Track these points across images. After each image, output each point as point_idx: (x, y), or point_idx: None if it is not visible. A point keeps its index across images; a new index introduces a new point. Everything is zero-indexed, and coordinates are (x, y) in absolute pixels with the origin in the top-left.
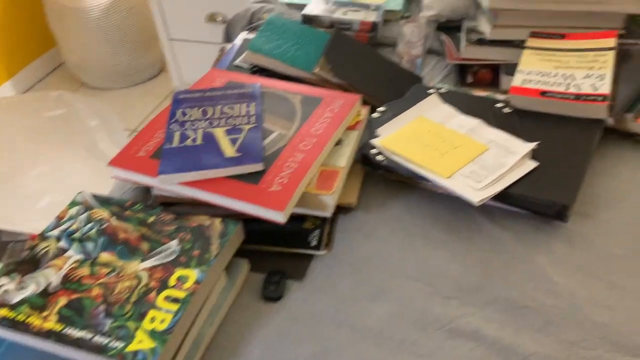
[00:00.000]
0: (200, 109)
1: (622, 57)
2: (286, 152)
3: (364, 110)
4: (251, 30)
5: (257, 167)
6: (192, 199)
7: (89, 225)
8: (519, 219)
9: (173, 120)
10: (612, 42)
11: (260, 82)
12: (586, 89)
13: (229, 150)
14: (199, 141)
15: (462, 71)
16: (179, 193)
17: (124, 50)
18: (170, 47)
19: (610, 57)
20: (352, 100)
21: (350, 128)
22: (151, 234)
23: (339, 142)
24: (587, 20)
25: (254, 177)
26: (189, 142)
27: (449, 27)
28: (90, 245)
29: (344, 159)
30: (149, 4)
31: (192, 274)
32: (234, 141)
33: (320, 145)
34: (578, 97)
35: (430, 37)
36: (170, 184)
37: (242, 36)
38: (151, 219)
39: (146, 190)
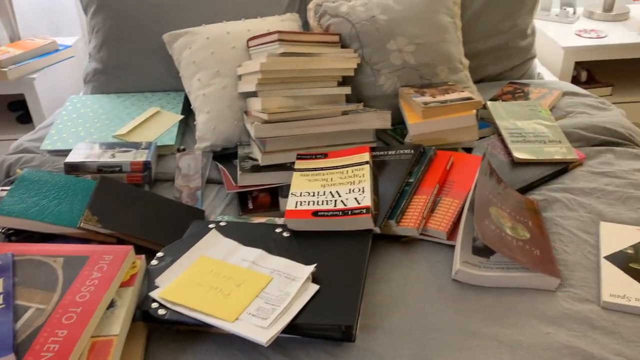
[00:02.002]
0: None
1: (379, 167)
2: (45, 332)
3: (140, 261)
4: (7, 185)
5: None
6: None
7: None
8: (311, 347)
9: None
10: (366, 156)
11: (12, 250)
12: (351, 203)
13: None
14: None
15: (243, 198)
16: None
17: None
18: None
19: (366, 170)
20: (122, 252)
21: (125, 284)
22: None
23: (112, 304)
24: (343, 139)
25: None
26: None
27: (226, 154)
28: None
29: (119, 324)
30: None
31: None
32: None
33: (87, 315)
34: (345, 212)
35: (208, 167)
36: None
37: None
38: None
39: None
